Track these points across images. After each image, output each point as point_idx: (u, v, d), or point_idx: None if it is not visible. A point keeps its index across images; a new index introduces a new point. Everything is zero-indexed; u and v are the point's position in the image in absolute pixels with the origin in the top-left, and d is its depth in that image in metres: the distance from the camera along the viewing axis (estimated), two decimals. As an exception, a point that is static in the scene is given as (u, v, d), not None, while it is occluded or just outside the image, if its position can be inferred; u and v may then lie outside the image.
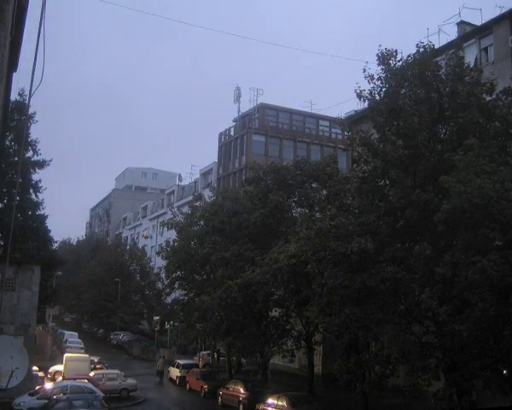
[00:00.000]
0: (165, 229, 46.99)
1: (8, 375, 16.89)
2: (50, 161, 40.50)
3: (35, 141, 39.84)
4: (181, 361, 42.94)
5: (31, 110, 37.12)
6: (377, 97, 22.21)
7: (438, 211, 18.23)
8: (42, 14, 9.54)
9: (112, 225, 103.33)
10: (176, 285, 39.95)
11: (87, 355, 38.22)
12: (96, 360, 40.15)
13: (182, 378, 39.98)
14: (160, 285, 43.26)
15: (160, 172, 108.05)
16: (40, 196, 40.76)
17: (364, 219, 21.29)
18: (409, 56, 21.93)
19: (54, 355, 45.66)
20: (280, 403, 26.75)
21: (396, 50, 21.89)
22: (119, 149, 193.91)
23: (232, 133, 60.53)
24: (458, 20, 32.67)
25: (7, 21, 9.20)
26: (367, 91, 22.16)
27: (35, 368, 32.11)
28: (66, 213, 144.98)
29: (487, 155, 18.12)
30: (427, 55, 21.73)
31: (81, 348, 48.26)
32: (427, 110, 20.81)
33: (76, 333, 59.41)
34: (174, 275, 38.99)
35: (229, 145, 59.96)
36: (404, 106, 21.09)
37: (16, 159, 36.96)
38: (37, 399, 25.83)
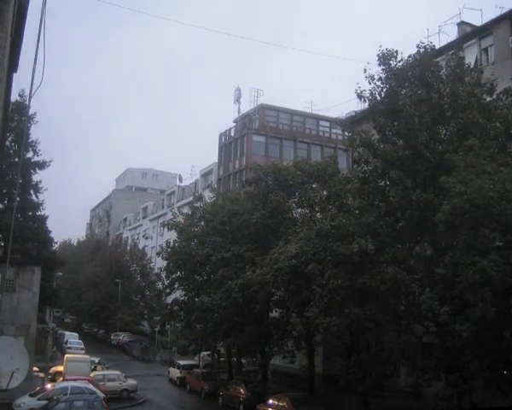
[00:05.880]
0: (166, 229, 46.98)
1: (8, 376, 16.85)
2: (51, 161, 40.68)
3: (35, 142, 39.98)
4: (181, 362, 42.94)
5: (31, 111, 37.24)
6: (378, 98, 22.23)
7: (438, 211, 18.24)
8: (42, 14, 9.56)
9: (112, 225, 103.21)
10: (176, 286, 39.95)
11: (87, 356, 38.17)
12: (96, 360, 40.11)
13: (182, 379, 39.98)
14: (160, 286, 43.27)
15: (161, 173, 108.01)
16: (40, 196, 40.96)
17: (365, 220, 21.29)
18: (409, 57, 21.94)
19: (54, 356, 45.66)
20: (280, 404, 26.71)
21: (396, 51, 21.93)
22: (120, 150, 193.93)
23: (232, 134, 60.46)
24: (458, 21, 32.63)
25: (7, 22, 9.21)
26: (367, 92, 22.23)
27: (35, 369, 32.07)
28: (66, 214, 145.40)
29: (488, 156, 18.13)
30: (427, 56, 21.73)
31: (81, 349, 48.25)
32: (427, 111, 20.80)
33: (76, 334, 59.28)
34: (174, 275, 38.97)
35: (229, 146, 59.92)
36: (404, 106, 21.07)
37: (16, 160, 37.05)
38: (38, 400, 25.81)
